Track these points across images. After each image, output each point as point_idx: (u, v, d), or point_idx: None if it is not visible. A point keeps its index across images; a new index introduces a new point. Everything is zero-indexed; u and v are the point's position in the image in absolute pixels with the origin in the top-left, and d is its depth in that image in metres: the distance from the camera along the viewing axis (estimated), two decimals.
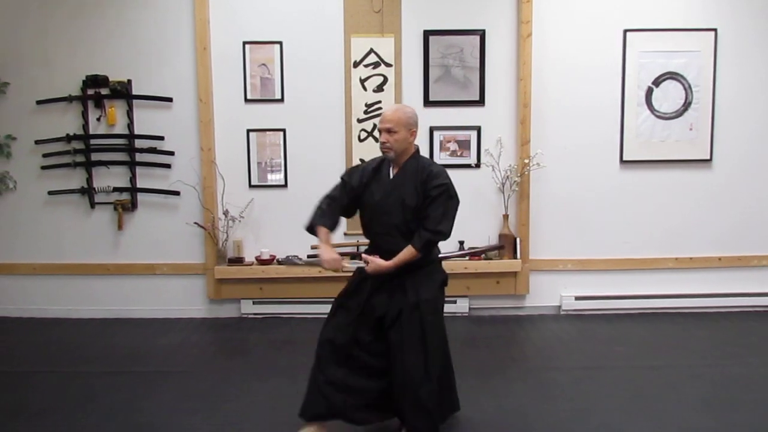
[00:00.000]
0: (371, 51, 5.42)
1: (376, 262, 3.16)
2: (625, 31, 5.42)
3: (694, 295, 5.61)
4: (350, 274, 3.39)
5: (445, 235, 3.17)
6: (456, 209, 3.22)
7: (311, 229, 3.29)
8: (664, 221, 5.61)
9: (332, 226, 3.31)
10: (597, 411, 3.69)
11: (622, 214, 5.60)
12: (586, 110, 5.50)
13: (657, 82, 5.46)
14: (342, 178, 3.39)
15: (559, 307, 5.64)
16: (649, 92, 5.47)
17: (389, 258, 3.16)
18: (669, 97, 5.47)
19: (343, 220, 3.46)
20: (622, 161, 5.55)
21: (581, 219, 5.59)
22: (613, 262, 5.62)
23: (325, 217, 3.29)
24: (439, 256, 3.40)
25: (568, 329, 5.24)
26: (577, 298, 5.61)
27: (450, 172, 5.37)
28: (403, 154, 3.23)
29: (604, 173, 5.56)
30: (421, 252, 3.16)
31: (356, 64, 5.43)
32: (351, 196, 3.32)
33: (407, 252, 3.14)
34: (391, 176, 3.27)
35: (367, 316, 3.23)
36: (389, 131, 3.18)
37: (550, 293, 5.65)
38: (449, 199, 3.18)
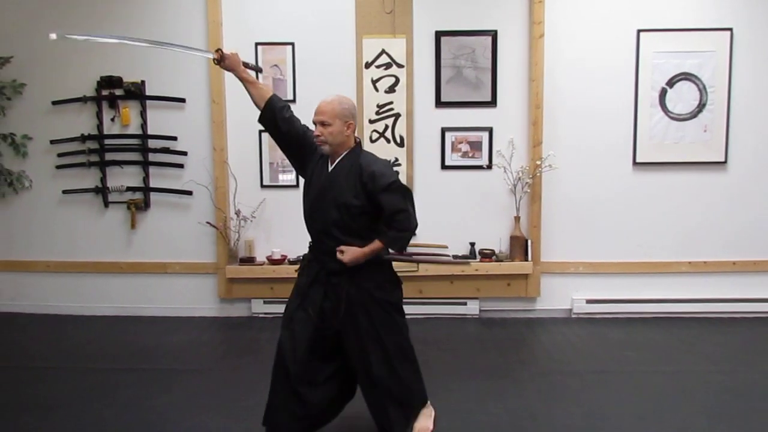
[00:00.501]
0: (383, 52, 5.41)
1: (351, 250, 3.02)
2: (639, 31, 5.37)
3: (707, 299, 5.53)
4: None
5: (415, 230, 3.11)
6: (412, 204, 3.08)
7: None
8: (678, 224, 5.54)
9: (275, 100, 3.17)
10: (608, 416, 3.66)
11: (635, 216, 5.54)
12: (598, 111, 5.46)
13: (671, 82, 5.40)
14: (306, 127, 3.26)
15: (570, 310, 5.60)
16: (663, 93, 5.41)
17: (331, 259, 3.06)
18: (683, 98, 5.41)
19: None
20: (635, 163, 5.50)
21: (593, 221, 5.55)
22: (626, 266, 5.56)
23: (281, 100, 3.21)
24: (386, 257, 3.21)
25: (579, 333, 5.20)
26: (589, 302, 5.56)
27: (461, 174, 5.52)
28: (339, 148, 3.09)
29: (617, 175, 5.51)
30: (397, 250, 3.14)
31: (368, 65, 5.43)
32: (299, 139, 3.21)
33: (377, 244, 3.04)
34: (329, 169, 3.13)
35: (320, 321, 3.11)
36: (323, 123, 3.04)
37: (561, 296, 5.60)
38: (406, 193, 3.06)
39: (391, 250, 3.18)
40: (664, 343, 4.94)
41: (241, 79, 3.22)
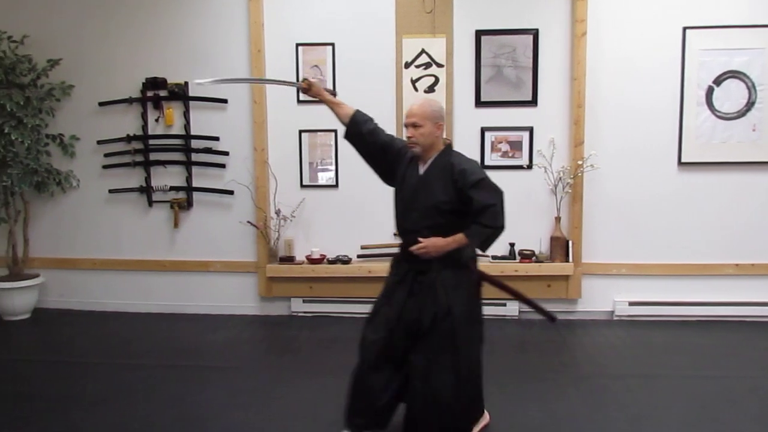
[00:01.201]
0: (422, 51, 5.41)
1: (432, 240, 3.07)
2: (685, 28, 5.25)
3: (755, 303, 5.38)
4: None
5: (503, 229, 3.09)
6: (503, 201, 3.11)
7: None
8: (725, 225, 5.40)
9: (358, 116, 3.34)
10: (651, 421, 3.59)
11: (680, 217, 5.42)
12: (642, 110, 5.36)
13: (718, 81, 5.27)
14: (391, 138, 3.39)
15: (612, 312, 5.50)
16: (710, 91, 5.29)
17: (424, 262, 3.12)
18: (731, 96, 5.27)
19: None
20: (680, 163, 5.38)
21: (636, 222, 5.45)
22: (670, 267, 5.45)
23: (366, 116, 3.36)
24: (470, 259, 3.27)
25: (622, 335, 5.11)
26: (631, 304, 5.45)
27: (501, 174, 5.44)
28: (430, 149, 3.17)
29: (662, 175, 5.40)
30: (483, 248, 3.15)
31: (407, 65, 5.43)
32: (385, 148, 3.31)
33: (461, 236, 3.08)
34: (420, 172, 3.20)
35: (403, 320, 3.16)
36: (414, 125, 3.12)
37: (602, 298, 5.51)
38: (497, 191, 3.07)
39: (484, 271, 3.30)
40: (710, 347, 4.83)
41: (327, 102, 3.42)
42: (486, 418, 3.44)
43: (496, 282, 3.36)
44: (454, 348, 3.09)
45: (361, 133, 3.32)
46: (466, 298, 3.18)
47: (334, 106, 3.41)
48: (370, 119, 3.36)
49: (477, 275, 3.28)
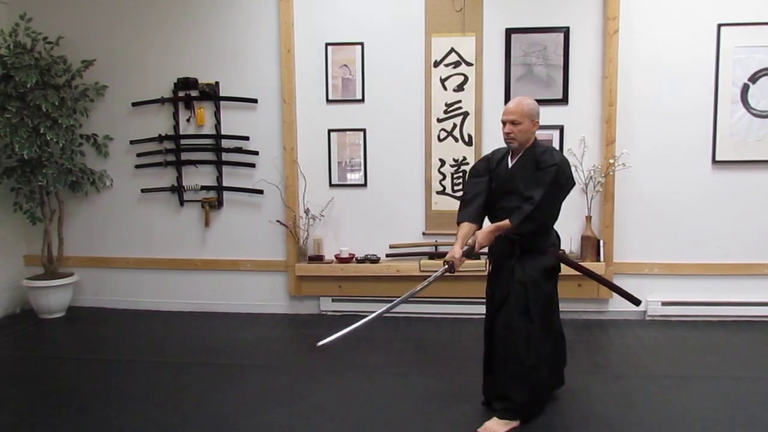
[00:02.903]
0: (452, 50, 5.39)
1: (479, 233, 3.37)
2: (719, 25, 5.16)
3: None
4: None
5: (540, 209, 3.26)
6: (562, 189, 3.36)
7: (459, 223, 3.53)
8: (760, 224, 5.31)
9: (473, 218, 3.48)
10: (686, 422, 3.54)
11: (715, 216, 5.34)
12: (675, 109, 5.28)
13: (754, 78, 5.17)
14: (471, 170, 3.68)
15: (645, 312, 5.43)
16: (745, 89, 5.19)
17: (508, 242, 3.42)
18: (767, 94, 5.17)
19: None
20: (714, 161, 5.29)
21: (669, 221, 5.38)
22: (704, 267, 5.36)
23: (467, 209, 3.51)
24: (549, 247, 3.52)
25: (655, 336, 5.05)
26: (664, 304, 5.38)
27: None
28: (525, 144, 3.40)
29: (695, 174, 5.32)
30: (516, 224, 3.29)
31: (437, 64, 5.42)
32: (484, 184, 3.52)
33: (503, 222, 3.34)
34: (510, 166, 3.44)
35: (493, 300, 3.54)
36: (513, 123, 3.33)
37: None
38: (554, 176, 3.26)
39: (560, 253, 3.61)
40: (744, 348, 4.75)
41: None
42: (516, 422, 3.47)
43: (574, 264, 3.76)
44: (525, 308, 3.36)
45: (479, 213, 3.54)
46: (540, 274, 3.41)
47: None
48: (468, 201, 3.55)
49: (556, 258, 3.52)
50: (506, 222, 3.33)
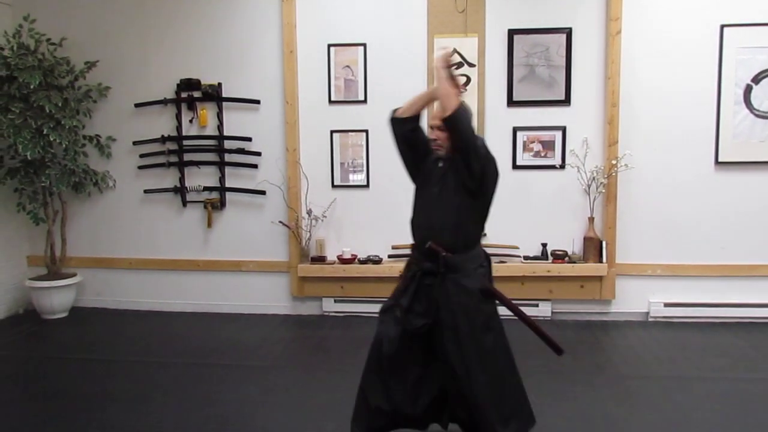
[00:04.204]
0: (454, 51, 5.39)
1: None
2: (722, 26, 5.16)
3: None
4: None
5: (472, 137, 2.88)
6: (489, 158, 2.92)
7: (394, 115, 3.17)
8: (764, 226, 5.30)
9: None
10: (689, 424, 3.54)
11: (718, 217, 5.33)
12: (678, 109, 5.27)
13: (757, 79, 5.16)
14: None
15: (647, 313, 5.43)
16: (748, 90, 5.18)
17: (432, 261, 2.96)
18: None
19: None
20: (717, 162, 5.28)
21: (672, 222, 5.37)
22: (707, 268, 5.36)
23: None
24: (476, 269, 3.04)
25: (657, 337, 5.04)
26: (667, 305, 5.38)
27: (533, 173, 5.48)
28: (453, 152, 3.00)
29: (698, 175, 5.31)
30: (456, 109, 2.86)
31: None
32: (419, 139, 3.16)
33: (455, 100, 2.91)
34: (442, 172, 3.05)
35: (409, 331, 3.02)
36: (440, 129, 2.97)
37: (637, 299, 5.44)
38: (481, 144, 2.92)
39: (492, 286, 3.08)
40: (747, 350, 4.74)
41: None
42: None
43: (504, 300, 3.05)
44: (474, 336, 2.94)
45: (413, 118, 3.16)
46: (472, 309, 2.96)
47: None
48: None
49: (485, 291, 3.01)
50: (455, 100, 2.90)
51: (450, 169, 3.00)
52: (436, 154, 3.12)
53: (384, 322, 3.13)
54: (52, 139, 5.33)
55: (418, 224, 3.14)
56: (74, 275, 5.83)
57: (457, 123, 2.88)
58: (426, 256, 3.00)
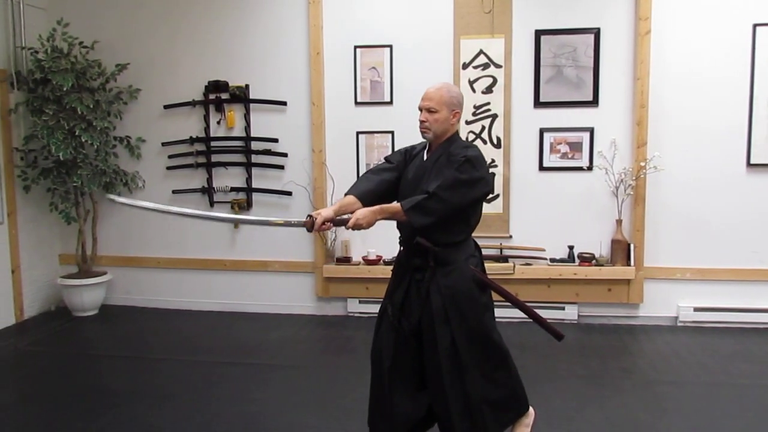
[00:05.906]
0: (481, 52, 5.37)
1: (356, 213, 2.82)
2: (755, 25, 5.05)
3: None
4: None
5: (436, 199, 2.75)
6: (467, 185, 2.80)
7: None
8: None
9: (361, 195, 2.95)
10: (716, 430, 3.47)
11: (749, 220, 5.22)
12: (709, 111, 5.18)
13: None
14: (384, 158, 3.17)
15: (676, 318, 5.34)
16: None
17: (422, 257, 2.90)
18: None
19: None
20: (749, 164, 5.18)
21: (702, 225, 5.27)
22: (739, 272, 5.25)
23: (360, 185, 3.03)
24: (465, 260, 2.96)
25: (686, 342, 4.96)
26: (696, 310, 5.29)
27: (560, 175, 5.40)
28: (441, 136, 2.95)
29: (729, 177, 5.21)
30: (406, 212, 2.78)
31: (465, 66, 5.41)
32: (392, 174, 3.05)
33: (391, 205, 2.90)
34: (424, 159, 2.99)
35: (403, 332, 2.98)
36: (430, 110, 2.90)
37: (666, 303, 5.36)
38: (458, 168, 2.80)
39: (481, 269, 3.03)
40: None
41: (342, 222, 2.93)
42: (530, 418, 3.15)
43: (498, 288, 3.00)
44: (465, 328, 2.88)
45: (379, 195, 3.01)
46: (463, 293, 2.91)
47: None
48: (363, 177, 3.13)
49: (474, 280, 2.94)
50: (395, 205, 2.88)
51: (435, 165, 2.93)
52: (421, 144, 3.07)
53: (378, 333, 3.07)
54: (83, 140, 5.43)
55: (405, 221, 2.93)
56: (104, 273, 5.94)
57: (425, 215, 2.79)
58: (415, 252, 2.95)
